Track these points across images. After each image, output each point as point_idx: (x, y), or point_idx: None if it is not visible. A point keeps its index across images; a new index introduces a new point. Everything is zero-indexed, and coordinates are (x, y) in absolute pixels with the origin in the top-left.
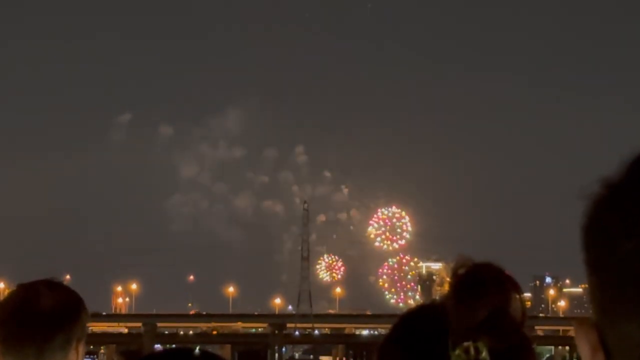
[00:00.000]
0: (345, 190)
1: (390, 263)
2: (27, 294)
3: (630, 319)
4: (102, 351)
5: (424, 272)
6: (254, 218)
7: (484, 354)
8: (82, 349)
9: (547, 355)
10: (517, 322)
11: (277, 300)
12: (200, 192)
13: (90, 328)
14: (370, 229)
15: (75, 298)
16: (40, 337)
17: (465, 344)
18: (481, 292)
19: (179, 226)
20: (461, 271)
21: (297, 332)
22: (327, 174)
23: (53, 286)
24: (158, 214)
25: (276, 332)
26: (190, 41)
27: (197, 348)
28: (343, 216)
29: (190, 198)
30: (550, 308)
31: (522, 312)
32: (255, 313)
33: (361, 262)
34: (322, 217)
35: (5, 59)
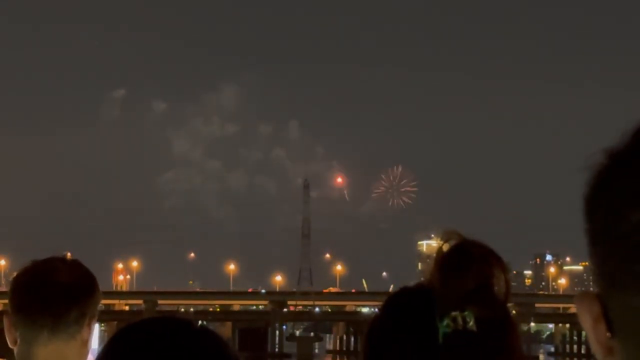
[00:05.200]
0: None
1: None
2: (43, 268)
3: (634, 291)
4: (102, 328)
5: (424, 249)
6: (247, 195)
7: (471, 323)
8: (94, 326)
9: (547, 333)
10: (501, 297)
11: (278, 278)
12: (194, 169)
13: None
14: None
15: (90, 275)
16: (56, 309)
17: (453, 313)
18: (466, 266)
19: (173, 203)
20: (447, 246)
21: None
22: (320, 149)
23: (69, 262)
24: (152, 190)
25: (277, 309)
26: (185, 17)
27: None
28: (335, 193)
29: (183, 175)
30: (550, 286)
31: (506, 288)
32: (261, 289)
33: (355, 237)
34: (315, 194)
35: None
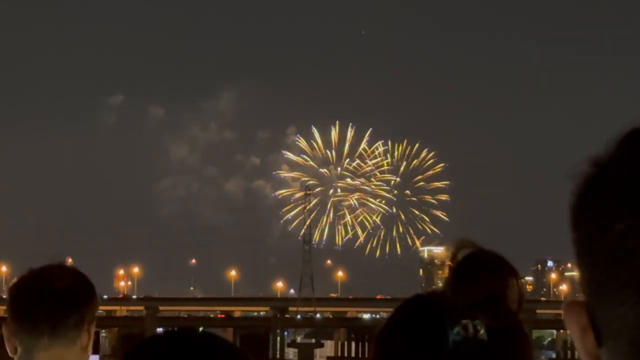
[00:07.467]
0: (336, 171)
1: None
2: (40, 275)
3: (621, 301)
4: (103, 334)
5: (425, 256)
6: (245, 201)
7: (482, 331)
8: (92, 331)
9: (549, 339)
10: (513, 307)
11: (279, 284)
12: (191, 175)
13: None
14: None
15: (88, 281)
16: (55, 313)
17: (464, 321)
18: (480, 275)
19: (171, 209)
20: (461, 255)
21: (299, 316)
22: (319, 154)
23: (66, 269)
24: (150, 196)
25: (278, 315)
26: (184, 22)
27: (201, 329)
28: (334, 198)
29: (181, 181)
30: (552, 292)
31: (519, 298)
32: (260, 294)
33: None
34: (315, 199)
35: None
